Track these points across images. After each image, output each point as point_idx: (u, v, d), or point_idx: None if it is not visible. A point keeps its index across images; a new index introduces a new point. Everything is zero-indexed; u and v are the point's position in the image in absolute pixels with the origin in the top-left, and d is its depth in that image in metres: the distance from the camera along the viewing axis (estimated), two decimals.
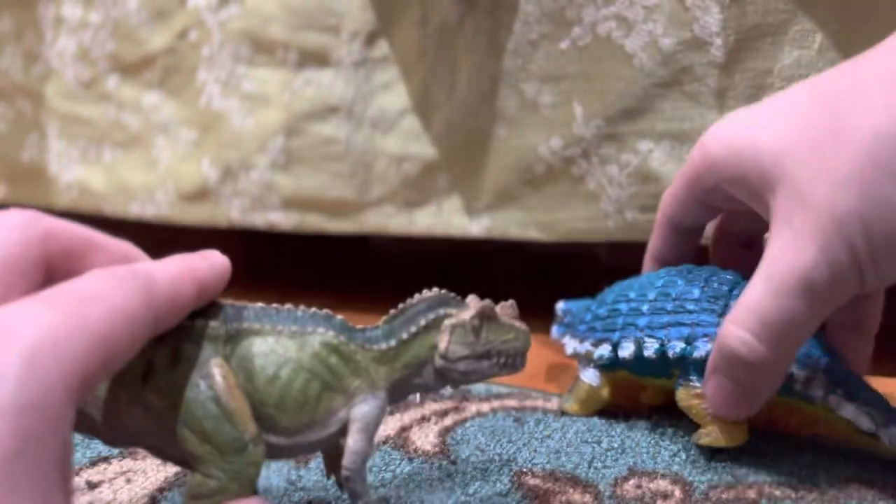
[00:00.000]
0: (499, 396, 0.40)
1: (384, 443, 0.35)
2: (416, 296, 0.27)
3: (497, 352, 0.27)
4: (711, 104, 0.41)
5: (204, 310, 0.25)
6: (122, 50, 0.59)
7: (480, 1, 0.47)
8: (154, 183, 0.59)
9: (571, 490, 0.31)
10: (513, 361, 0.27)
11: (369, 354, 0.26)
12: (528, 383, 0.43)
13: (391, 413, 0.38)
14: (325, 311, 0.26)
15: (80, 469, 0.32)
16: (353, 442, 0.25)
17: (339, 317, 0.26)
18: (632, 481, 0.31)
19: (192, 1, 0.56)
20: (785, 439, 0.35)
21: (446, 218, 0.52)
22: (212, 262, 0.24)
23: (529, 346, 0.27)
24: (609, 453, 0.34)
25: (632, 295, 0.36)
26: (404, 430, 0.36)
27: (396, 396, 0.27)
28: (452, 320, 0.26)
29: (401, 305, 0.27)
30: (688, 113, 0.42)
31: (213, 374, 0.24)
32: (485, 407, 0.39)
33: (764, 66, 0.40)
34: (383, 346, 0.26)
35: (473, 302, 0.27)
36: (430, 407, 0.39)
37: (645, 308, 0.35)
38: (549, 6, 0.44)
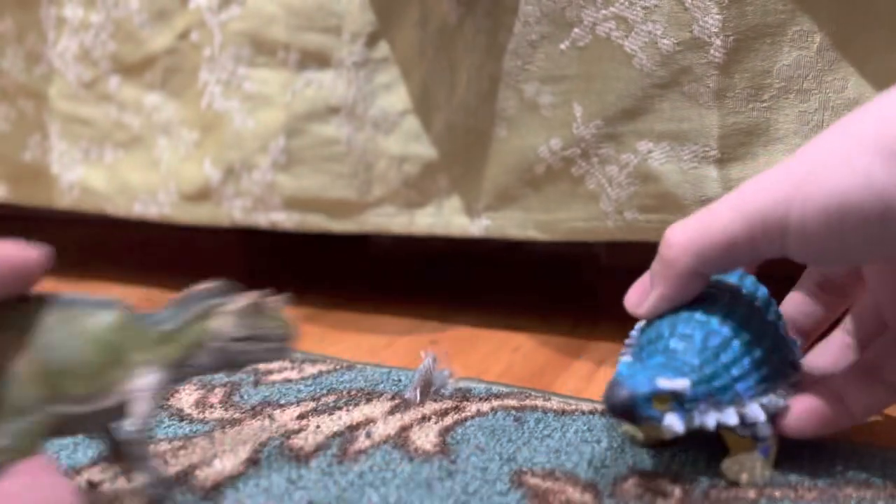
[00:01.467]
0: (499, 396, 0.40)
1: (384, 442, 0.35)
2: (199, 285, 0.30)
3: (264, 336, 0.30)
4: (711, 104, 0.41)
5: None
6: (124, 50, 0.59)
7: (480, 2, 0.47)
8: (156, 183, 0.60)
9: (571, 489, 0.31)
10: (279, 347, 0.31)
11: (152, 334, 0.29)
12: (528, 383, 0.43)
13: (391, 413, 0.38)
14: (113, 297, 0.29)
15: (81, 469, 0.33)
16: (135, 407, 0.28)
17: (126, 302, 0.29)
18: (632, 481, 0.31)
19: (193, 2, 0.56)
20: (785, 439, 0.35)
21: (446, 218, 0.52)
22: (27, 252, 0.27)
23: (293, 336, 0.31)
24: (609, 453, 0.34)
25: (727, 353, 0.32)
26: (404, 429, 0.36)
27: (179, 375, 0.30)
28: (227, 307, 0.30)
29: (183, 293, 0.30)
30: (687, 113, 0.42)
31: None
32: (485, 406, 0.39)
33: (763, 67, 0.40)
34: (166, 327, 0.29)
35: (247, 294, 0.31)
36: (431, 407, 0.39)
37: (740, 368, 0.32)
38: (548, 7, 0.45)
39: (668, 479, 0.32)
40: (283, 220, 0.56)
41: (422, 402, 0.39)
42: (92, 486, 0.31)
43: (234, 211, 0.57)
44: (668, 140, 0.43)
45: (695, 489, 0.31)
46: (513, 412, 0.38)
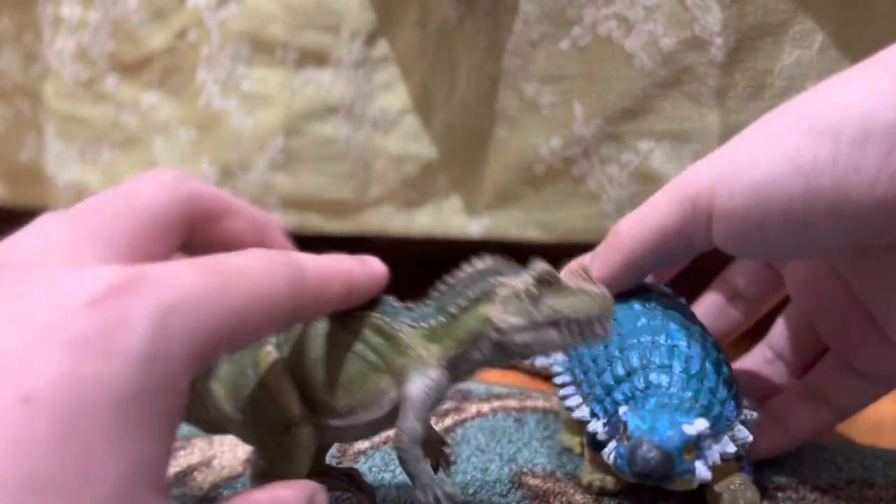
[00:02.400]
0: (499, 396, 0.40)
1: (384, 443, 0.35)
2: (467, 266, 0.26)
3: (564, 320, 0.24)
4: (712, 104, 0.41)
5: None
6: (121, 50, 0.59)
7: (480, 1, 0.47)
8: None
9: (572, 490, 0.31)
10: (588, 329, 0.24)
11: (418, 332, 0.25)
12: (529, 383, 0.43)
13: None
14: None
15: None
16: (401, 420, 0.25)
17: (389, 297, 0.26)
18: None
19: (191, 1, 0.56)
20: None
21: (446, 218, 0.52)
22: (368, 269, 0.25)
23: (608, 309, 0.24)
24: None
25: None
26: None
27: (458, 373, 0.26)
28: (506, 289, 0.24)
29: (450, 279, 0.26)
30: (688, 113, 0.42)
31: (260, 362, 0.25)
32: (485, 407, 0.39)
33: (764, 66, 0.40)
34: (433, 322, 0.25)
35: (532, 265, 0.25)
36: None
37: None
38: (549, 6, 0.44)
39: None
40: (281, 220, 0.55)
41: None
42: None
43: None
44: (669, 140, 0.43)
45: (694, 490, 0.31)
46: (513, 413, 0.38)
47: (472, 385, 0.42)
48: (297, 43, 0.52)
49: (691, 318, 0.31)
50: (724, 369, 0.30)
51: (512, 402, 0.39)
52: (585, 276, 0.25)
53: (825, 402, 0.32)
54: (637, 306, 0.31)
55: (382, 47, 0.51)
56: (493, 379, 0.44)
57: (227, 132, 0.55)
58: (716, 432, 0.27)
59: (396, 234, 0.53)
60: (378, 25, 0.51)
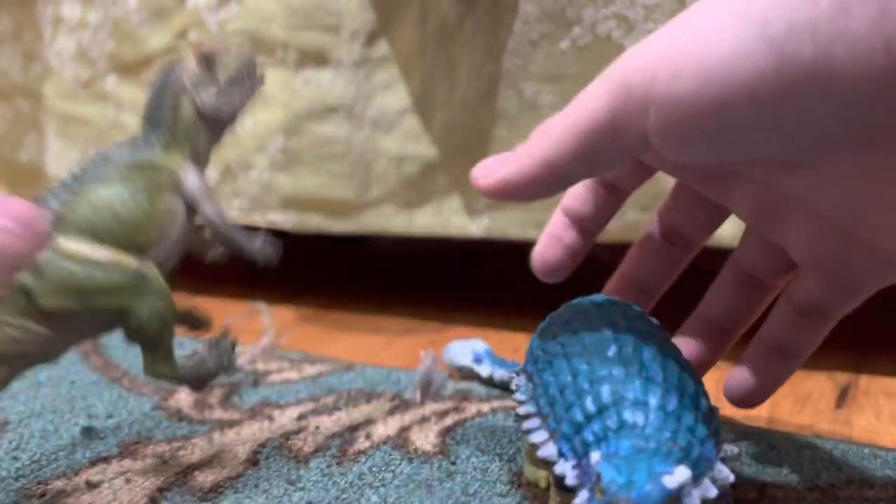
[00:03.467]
0: (499, 396, 0.40)
1: (384, 443, 0.35)
2: (150, 86, 0.30)
3: (237, 76, 0.30)
4: None
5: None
6: (121, 49, 0.59)
7: (480, 1, 0.47)
8: None
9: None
10: (252, 76, 0.31)
11: (158, 150, 0.30)
12: None
13: (391, 413, 0.38)
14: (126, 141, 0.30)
15: (80, 469, 0.32)
16: (203, 211, 0.29)
17: (121, 140, 0.30)
18: None
19: (191, 1, 0.56)
20: (786, 439, 0.35)
21: (446, 218, 0.52)
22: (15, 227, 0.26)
23: (255, 61, 0.31)
24: None
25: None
26: (404, 430, 0.36)
27: (203, 161, 0.31)
28: (188, 80, 0.30)
29: (146, 102, 0.30)
30: None
31: (70, 252, 0.27)
32: (485, 407, 0.39)
33: None
34: (160, 135, 0.30)
35: (196, 53, 0.30)
36: (430, 407, 0.39)
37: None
38: (549, 6, 0.44)
39: None
40: (281, 220, 0.55)
41: (422, 403, 0.39)
42: (91, 485, 0.31)
43: (232, 211, 0.56)
44: None
45: None
46: (513, 413, 0.38)
47: (473, 385, 0.42)
48: (297, 43, 0.52)
49: (665, 343, 0.28)
50: (702, 402, 0.27)
51: (512, 402, 0.39)
52: (231, 51, 0.31)
53: (784, 355, 0.30)
54: (607, 332, 0.28)
55: (382, 47, 0.51)
56: None
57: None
58: (696, 476, 0.25)
59: (396, 234, 0.53)
60: (378, 25, 0.51)
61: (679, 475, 0.23)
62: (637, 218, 0.44)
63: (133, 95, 0.59)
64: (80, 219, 0.28)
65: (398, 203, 0.52)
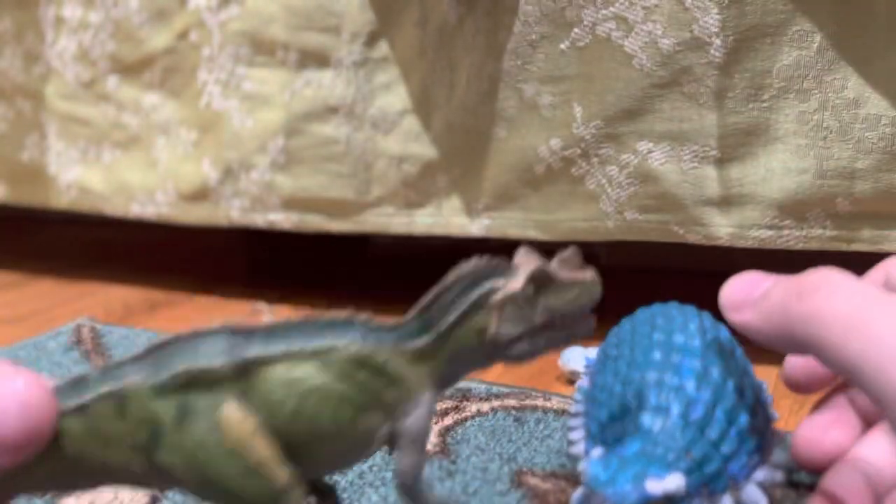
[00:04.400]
0: (499, 396, 0.40)
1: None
2: (451, 273, 0.22)
3: (560, 318, 0.22)
4: (710, 104, 0.41)
5: (201, 342, 0.21)
6: (123, 50, 0.59)
7: (480, 1, 0.47)
8: (154, 183, 0.59)
9: (571, 490, 0.31)
10: (577, 324, 0.23)
11: (404, 357, 0.22)
12: (528, 383, 0.43)
13: None
14: (346, 313, 0.22)
15: None
16: (404, 459, 0.22)
17: (363, 316, 0.23)
18: None
19: (192, 1, 0.56)
20: (786, 439, 0.35)
21: (446, 218, 0.52)
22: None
23: (598, 295, 0.23)
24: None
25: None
26: None
27: (444, 387, 0.23)
28: (500, 295, 0.22)
29: (435, 289, 0.23)
30: (687, 113, 0.42)
31: (224, 425, 0.21)
32: (485, 406, 0.39)
33: (763, 67, 0.40)
34: (419, 343, 0.22)
35: (522, 263, 0.22)
36: None
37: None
38: (548, 7, 0.45)
39: None
40: (282, 220, 0.56)
41: None
42: None
43: (232, 211, 0.57)
44: (668, 140, 0.43)
45: None
46: (513, 412, 0.38)
47: (472, 384, 0.42)
48: (298, 44, 0.53)
49: (724, 356, 0.27)
50: (742, 418, 0.26)
51: (512, 402, 0.40)
52: (576, 261, 0.23)
53: None
54: (658, 337, 0.28)
55: (382, 48, 0.51)
56: (492, 379, 0.44)
57: (227, 132, 0.55)
58: (711, 492, 0.24)
59: (396, 234, 0.53)
60: (378, 26, 0.51)
61: (668, 483, 0.22)
62: (636, 217, 0.45)
63: (134, 96, 0.60)
64: (263, 393, 0.21)
65: (398, 203, 0.52)
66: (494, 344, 0.22)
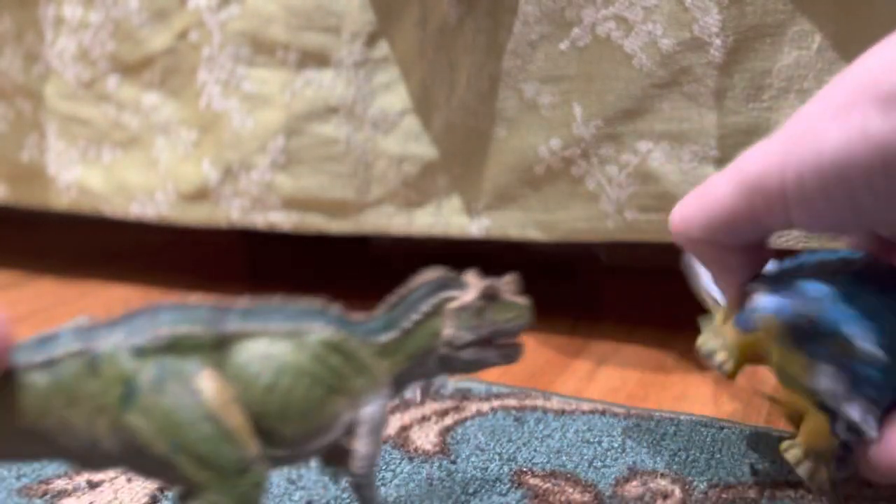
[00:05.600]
0: (499, 396, 0.40)
1: (384, 442, 0.35)
2: (415, 279, 0.25)
3: (500, 333, 0.25)
4: (710, 105, 0.41)
5: (181, 311, 0.22)
6: (123, 50, 0.59)
7: (480, 1, 0.47)
8: (154, 183, 0.59)
9: (571, 490, 0.31)
10: (513, 346, 0.26)
11: (371, 349, 0.24)
12: (528, 383, 0.43)
13: (391, 412, 0.38)
14: (320, 302, 0.24)
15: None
16: (362, 446, 0.24)
17: (335, 307, 0.24)
18: (632, 481, 0.32)
19: (192, 1, 0.56)
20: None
21: (446, 218, 0.52)
22: None
23: (529, 321, 0.26)
24: (609, 453, 0.34)
25: None
26: (404, 429, 0.36)
27: (398, 388, 0.26)
28: (455, 304, 0.25)
29: (399, 291, 0.25)
30: (687, 113, 0.42)
31: (204, 390, 0.21)
32: (485, 406, 0.39)
33: (763, 67, 0.40)
34: (384, 338, 0.25)
35: (473, 280, 0.25)
36: (431, 406, 0.39)
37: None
38: (548, 7, 0.45)
39: (669, 479, 0.32)
40: (282, 220, 0.56)
41: (422, 402, 0.39)
42: (92, 485, 0.31)
43: (232, 211, 0.57)
44: (668, 140, 0.43)
45: (695, 489, 0.31)
46: (513, 412, 0.38)
47: (472, 384, 0.42)
48: (298, 44, 0.53)
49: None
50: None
51: (511, 401, 0.40)
52: (516, 287, 0.26)
53: None
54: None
55: (383, 48, 0.51)
56: (492, 379, 0.44)
57: (227, 133, 0.55)
58: (858, 395, 0.26)
59: (396, 234, 0.53)
60: (378, 26, 0.51)
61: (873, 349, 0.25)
62: (636, 217, 0.45)
63: (134, 96, 0.60)
64: (239, 366, 0.22)
65: (398, 203, 0.52)
66: (447, 347, 0.25)
